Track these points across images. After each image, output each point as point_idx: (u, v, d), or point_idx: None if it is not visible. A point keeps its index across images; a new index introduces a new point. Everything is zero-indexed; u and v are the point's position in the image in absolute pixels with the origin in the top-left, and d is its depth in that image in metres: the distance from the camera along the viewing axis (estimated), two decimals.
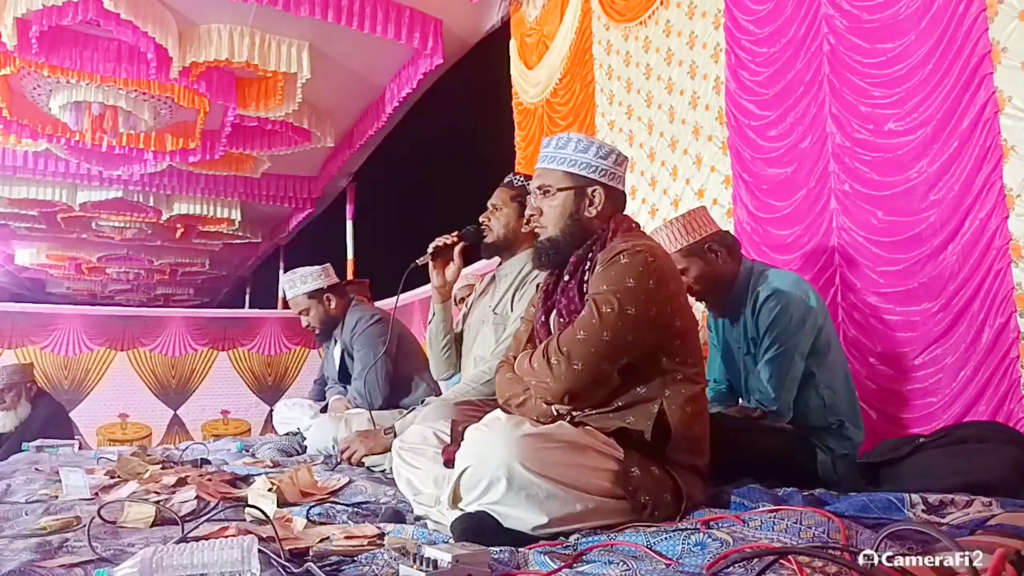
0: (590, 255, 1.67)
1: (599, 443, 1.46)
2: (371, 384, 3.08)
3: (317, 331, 3.34)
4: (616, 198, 1.74)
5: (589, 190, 1.70)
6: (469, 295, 4.12)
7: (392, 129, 6.92)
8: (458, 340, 2.52)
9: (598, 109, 4.23)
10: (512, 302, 2.31)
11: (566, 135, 1.75)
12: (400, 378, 3.17)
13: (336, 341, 3.37)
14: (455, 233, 2.38)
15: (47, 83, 5.71)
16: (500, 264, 2.46)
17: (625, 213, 1.78)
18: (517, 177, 2.42)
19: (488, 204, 2.38)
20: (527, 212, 1.79)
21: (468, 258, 2.47)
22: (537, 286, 1.89)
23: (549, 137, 1.77)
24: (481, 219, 2.37)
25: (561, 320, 1.65)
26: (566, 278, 1.69)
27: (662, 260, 1.59)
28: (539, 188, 1.74)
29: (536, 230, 1.76)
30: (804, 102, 2.84)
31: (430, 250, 2.38)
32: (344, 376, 3.35)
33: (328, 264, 3.39)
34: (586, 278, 1.64)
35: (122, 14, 4.51)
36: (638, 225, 1.76)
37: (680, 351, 1.58)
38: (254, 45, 5.26)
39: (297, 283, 3.27)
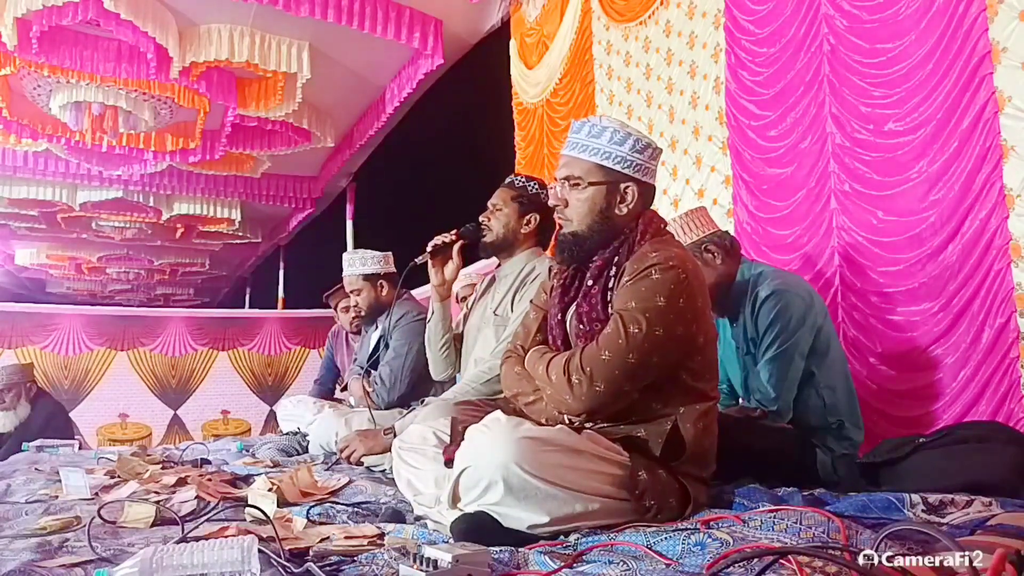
0: (616, 259, 1.58)
1: (601, 448, 1.45)
2: (397, 373, 3.09)
3: (362, 313, 3.37)
4: (648, 194, 1.64)
5: (622, 186, 1.59)
6: (471, 294, 4.12)
7: (392, 129, 6.92)
8: (457, 340, 2.51)
9: (598, 109, 4.22)
10: (512, 303, 2.30)
11: (599, 122, 1.61)
12: (422, 380, 3.18)
13: (377, 327, 3.38)
14: (454, 231, 2.37)
15: (47, 83, 5.71)
16: (499, 265, 2.45)
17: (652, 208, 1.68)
18: (518, 178, 2.41)
19: (488, 204, 2.38)
20: (551, 201, 1.69)
21: (468, 257, 2.46)
22: (550, 270, 1.81)
23: (580, 122, 1.63)
24: (481, 218, 2.37)
25: (581, 326, 1.59)
26: (589, 282, 1.60)
27: (693, 275, 1.52)
28: (567, 178, 1.61)
29: (560, 222, 1.66)
30: (804, 102, 2.84)
31: (429, 248, 2.37)
32: (375, 362, 3.35)
33: (390, 252, 3.40)
34: (611, 285, 1.56)
35: (122, 14, 4.51)
36: (666, 224, 1.68)
37: (699, 367, 1.54)
38: (254, 45, 5.26)
39: (356, 263, 3.30)
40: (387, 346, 3.25)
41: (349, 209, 8.69)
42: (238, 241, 10.22)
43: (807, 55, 2.83)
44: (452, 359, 2.49)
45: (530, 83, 4.96)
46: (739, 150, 3.16)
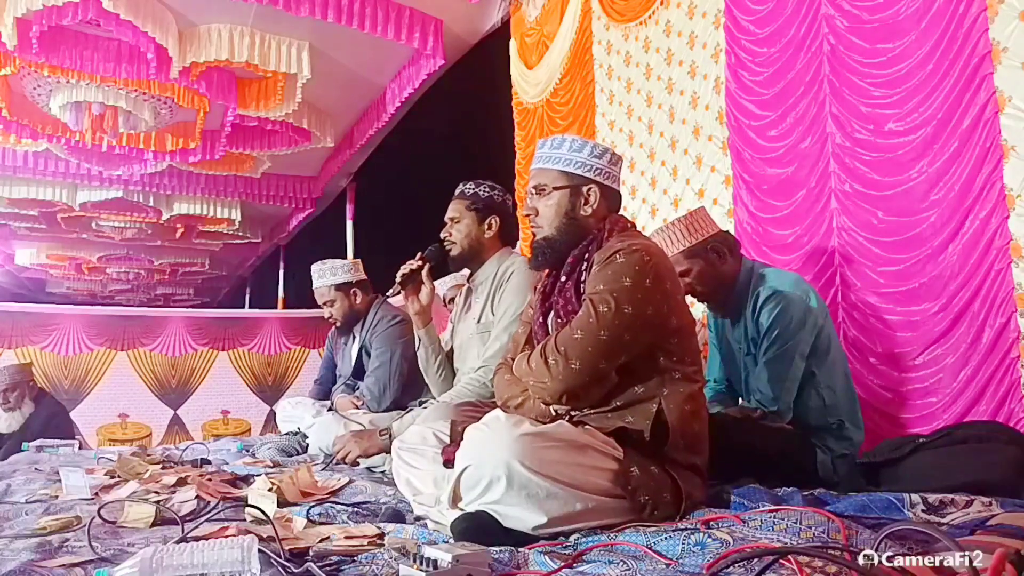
0: (586, 255, 1.67)
1: (598, 442, 1.46)
2: (383, 382, 3.08)
3: (338, 323, 3.36)
4: (611, 197, 1.75)
5: (584, 189, 1.71)
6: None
7: (392, 129, 6.92)
8: (450, 358, 2.49)
9: (598, 109, 4.22)
10: (492, 308, 2.29)
11: (560, 136, 1.77)
12: (412, 381, 3.17)
13: (355, 337, 3.38)
14: (418, 256, 2.35)
15: (47, 83, 5.71)
16: (472, 276, 2.43)
17: (620, 213, 1.79)
18: (468, 185, 2.38)
19: (445, 219, 2.36)
20: (524, 211, 1.79)
21: (438, 273, 2.44)
22: (535, 288, 1.88)
23: (544, 139, 1.80)
24: (442, 235, 2.35)
25: (559, 321, 1.65)
26: (563, 279, 1.69)
27: (658, 258, 1.60)
28: (535, 188, 1.75)
29: (533, 230, 1.77)
30: (804, 102, 2.84)
31: (398, 279, 2.35)
32: (359, 373, 3.35)
33: (359, 260, 3.40)
34: (583, 278, 1.64)
35: (122, 14, 4.51)
36: (633, 224, 1.77)
37: (677, 350, 1.58)
38: (254, 45, 5.26)
39: (326, 274, 3.28)
40: (368, 355, 3.24)
41: (349, 209, 8.69)
42: (238, 241, 10.22)
43: (807, 55, 2.83)
44: (450, 379, 2.45)
45: (530, 83, 4.96)
46: (739, 150, 3.16)
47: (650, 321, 1.53)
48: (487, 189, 2.35)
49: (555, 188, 1.72)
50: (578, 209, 1.71)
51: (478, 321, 2.32)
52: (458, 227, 2.33)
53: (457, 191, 2.39)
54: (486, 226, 2.34)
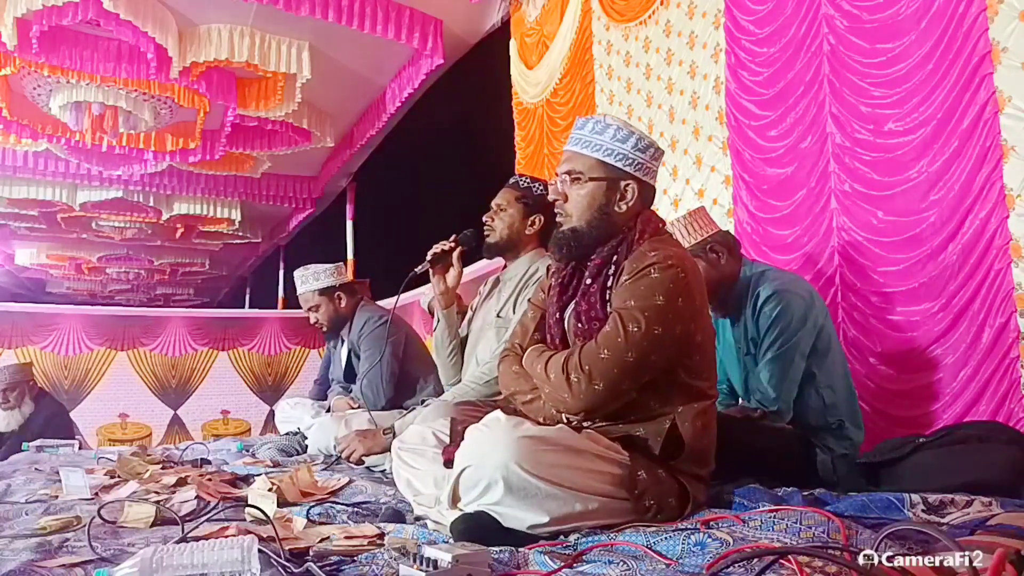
0: (615, 257, 1.58)
1: (600, 447, 1.45)
2: (376, 384, 3.08)
3: (325, 328, 3.35)
4: (647, 193, 1.64)
5: (622, 184, 1.60)
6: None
7: (392, 129, 6.92)
8: (464, 345, 2.50)
9: (598, 109, 4.22)
10: (515, 305, 2.29)
11: (603, 119, 1.61)
12: (405, 379, 3.17)
13: (343, 341, 3.38)
14: (452, 238, 2.36)
15: (47, 83, 5.71)
16: (504, 267, 2.44)
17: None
18: (523, 178, 2.40)
19: (492, 204, 2.37)
20: (551, 196, 1.71)
21: (467, 260, 2.45)
22: (548, 269, 1.81)
23: (585, 118, 1.64)
24: (484, 219, 2.36)
25: (579, 325, 1.59)
26: (588, 281, 1.60)
27: (692, 274, 1.52)
28: (568, 173, 1.62)
29: (559, 218, 1.66)
30: (804, 102, 2.84)
31: (428, 257, 2.35)
32: (350, 376, 3.35)
33: (341, 263, 3.39)
34: (609, 284, 1.56)
35: (122, 14, 4.51)
36: (664, 224, 1.69)
37: (697, 365, 1.55)
38: (254, 45, 5.26)
39: (309, 279, 3.28)
40: (358, 357, 3.25)
41: (349, 209, 8.69)
42: (238, 241, 10.23)
43: (807, 55, 2.83)
44: (460, 365, 2.45)
45: (530, 83, 4.97)
46: (739, 150, 3.17)
47: (678, 340, 1.48)
48: (541, 187, 2.36)
49: (591, 178, 1.59)
50: (612, 204, 1.60)
51: (498, 314, 2.32)
52: (502, 216, 2.33)
53: (510, 181, 2.39)
54: (529, 222, 2.34)
